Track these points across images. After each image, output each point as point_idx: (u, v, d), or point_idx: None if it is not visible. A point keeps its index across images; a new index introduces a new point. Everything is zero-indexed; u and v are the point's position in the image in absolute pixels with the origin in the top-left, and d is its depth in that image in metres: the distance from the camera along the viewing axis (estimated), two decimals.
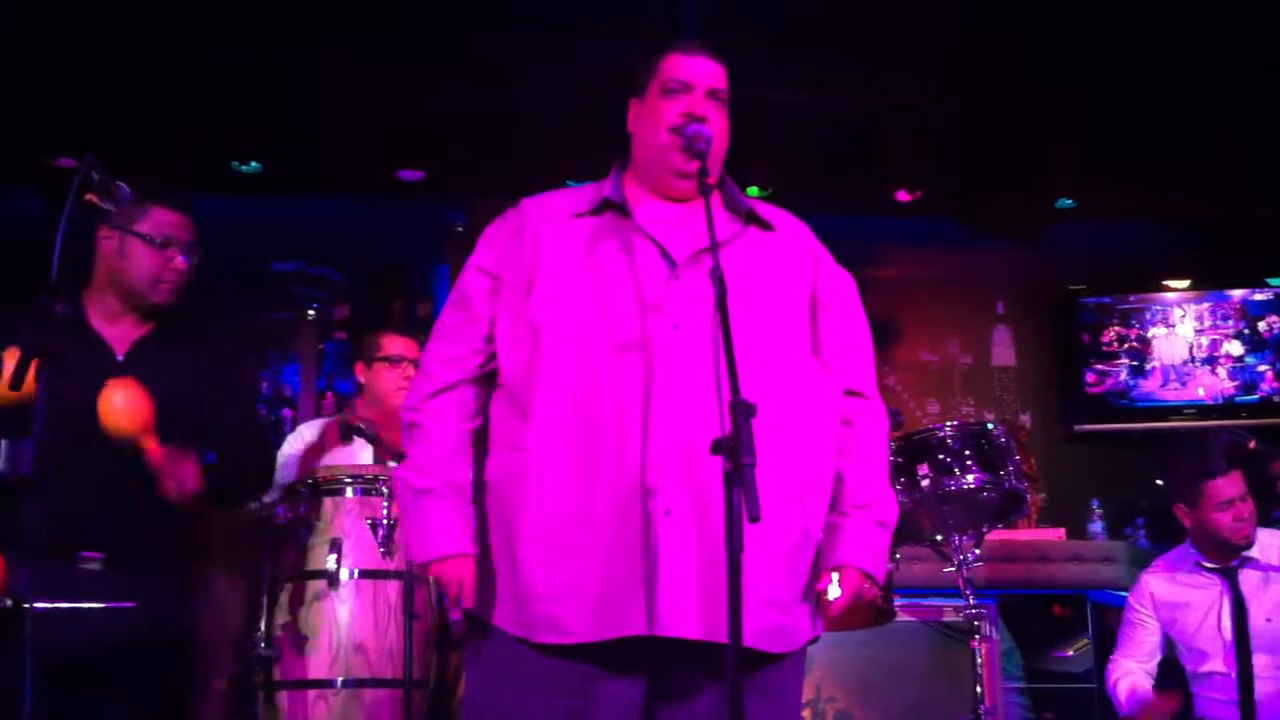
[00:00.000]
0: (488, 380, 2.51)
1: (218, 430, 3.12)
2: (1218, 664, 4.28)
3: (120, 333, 3.17)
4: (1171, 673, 4.44)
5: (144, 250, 3.13)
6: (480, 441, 2.51)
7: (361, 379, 4.47)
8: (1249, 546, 4.28)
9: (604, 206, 2.53)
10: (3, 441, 2.31)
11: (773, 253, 2.55)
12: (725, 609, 1.98)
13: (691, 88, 2.51)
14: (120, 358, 3.13)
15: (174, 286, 3.17)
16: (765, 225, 2.58)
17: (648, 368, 2.33)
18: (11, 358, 2.56)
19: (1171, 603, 4.40)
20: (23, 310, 2.68)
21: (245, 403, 3.47)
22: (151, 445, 2.90)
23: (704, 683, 2.32)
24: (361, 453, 4.24)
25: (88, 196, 2.77)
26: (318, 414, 6.12)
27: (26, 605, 2.31)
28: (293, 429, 4.98)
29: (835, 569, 2.45)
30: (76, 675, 2.89)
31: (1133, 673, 4.41)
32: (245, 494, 3.51)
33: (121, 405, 2.87)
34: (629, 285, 2.41)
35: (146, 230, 3.12)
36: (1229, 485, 4.24)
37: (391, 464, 3.86)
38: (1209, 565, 4.33)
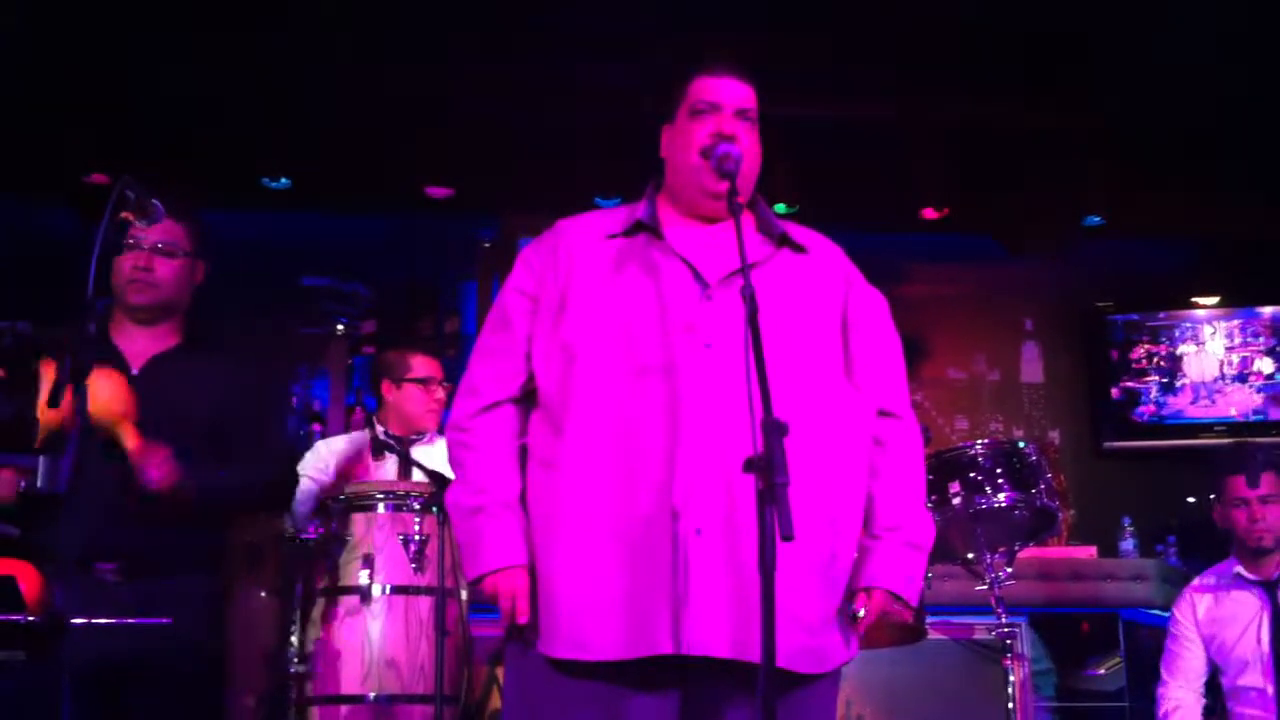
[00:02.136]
0: (529, 399, 2.52)
1: (237, 443, 3.14)
2: (1255, 678, 4.23)
3: (138, 347, 3.21)
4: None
5: (119, 257, 3.15)
6: (523, 459, 2.51)
7: (389, 397, 4.47)
8: (1266, 552, 4.26)
9: (636, 228, 2.54)
10: (42, 458, 2.33)
11: (805, 275, 2.55)
12: (757, 628, 1.97)
13: (720, 108, 2.52)
14: (135, 371, 3.16)
15: (141, 285, 3.18)
16: (798, 248, 2.58)
17: (680, 388, 2.34)
18: (49, 374, 2.59)
19: (1212, 617, 4.37)
20: (62, 330, 2.70)
21: (271, 418, 3.47)
22: (129, 435, 2.93)
23: (737, 703, 2.31)
24: (389, 468, 4.27)
25: (123, 214, 2.79)
26: (346, 429, 6.14)
27: (65, 620, 2.33)
28: (294, 444, 4.99)
29: (864, 590, 2.45)
30: (110, 689, 2.90)
31: (1184, 705, 4.37)
32: (258, 507, 3.52)
33: (102, 394, 2.88)
34: (661, 306, 2.42)
35: (127, 236, 3.15)
36: (1247, 484, 4.23)
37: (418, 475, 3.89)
38: (1249, 577, 4.30)
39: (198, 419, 3.04)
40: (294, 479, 3.55)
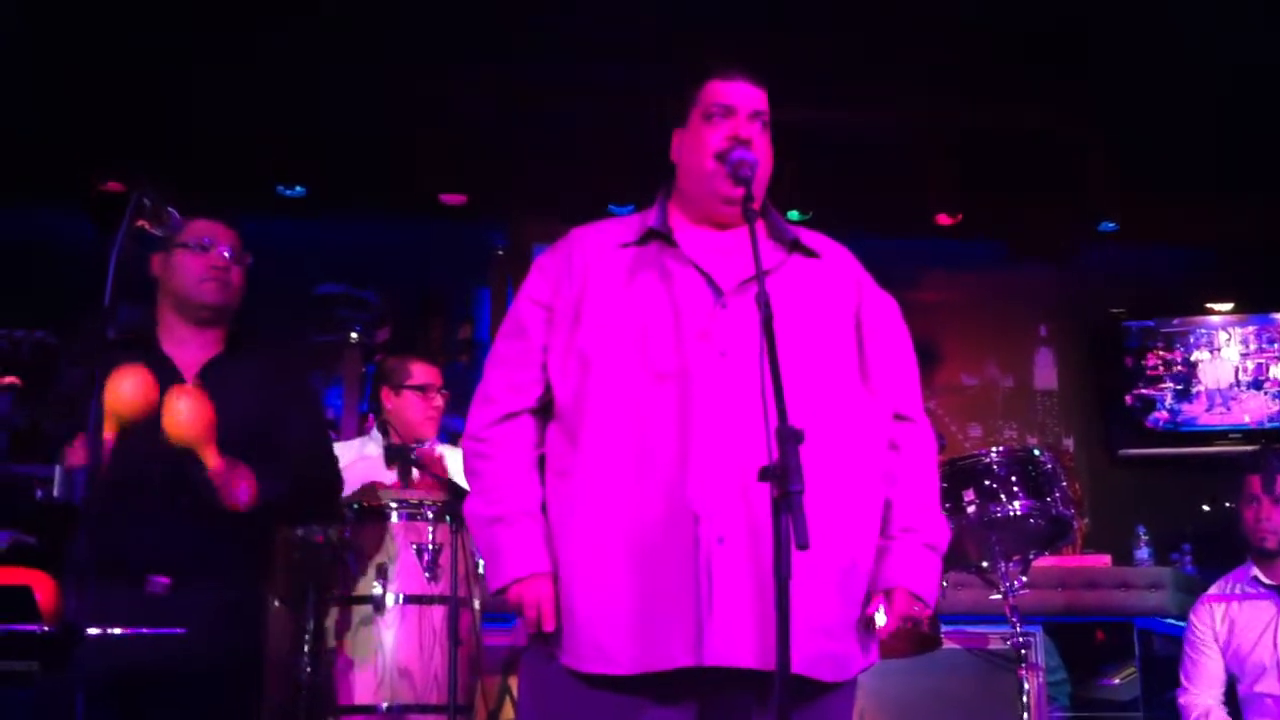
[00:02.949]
0: (546, 411, 2.51)
1: (290, 450, 3.15)
2: (1271, 685, 4.22)
3: (189, 355, 3.21)
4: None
5: (187, 256, 3.19)
6: (541, 469, 2.51)
7: (388, 405, 4.48)
8: (1271, 554, 4.25)
9: (649, 236, 2.54)
10: (58, 468, 2.33)
11: (818, 280, 2.54)
12: (789, 637, 1.97)
13: (734, 111, 2.51)
14: (189, 380, 3.15)
15: (220, 284, 3.21)
16: (810, 253, 2.58)
17: (694, 396, 2.34)
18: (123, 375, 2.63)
19: (1228, 623, 4.37)
20: (78, 341, 2.72)
21: (316, 422, 3.49)
22: (211, 455, 2.93)
23: (756, 713, 2.30)
24: (394, 477, 4.25)
25: (139, 223, 2.79)
26: (360, 436, 6.14)
27: (81, 630, 2.32)
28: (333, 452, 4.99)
29: (883, 591, 2.44)
30: (130, 700, 2.90)
31: (1211, 712, 4.35)
32: (315, 514, 3.52)
33: (185, 413, 2.89)
34: (676, 314, 2.41)
35: (186, 239, 3.18)
36: (1262, 484, 4.25)
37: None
38: (1265, 581, 4.30)
39: (246, 425, 3.05)
40: (340, 485, 3.53)
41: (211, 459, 2.93)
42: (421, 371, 4.47)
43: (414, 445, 4.35)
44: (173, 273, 3.21)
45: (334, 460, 3.45)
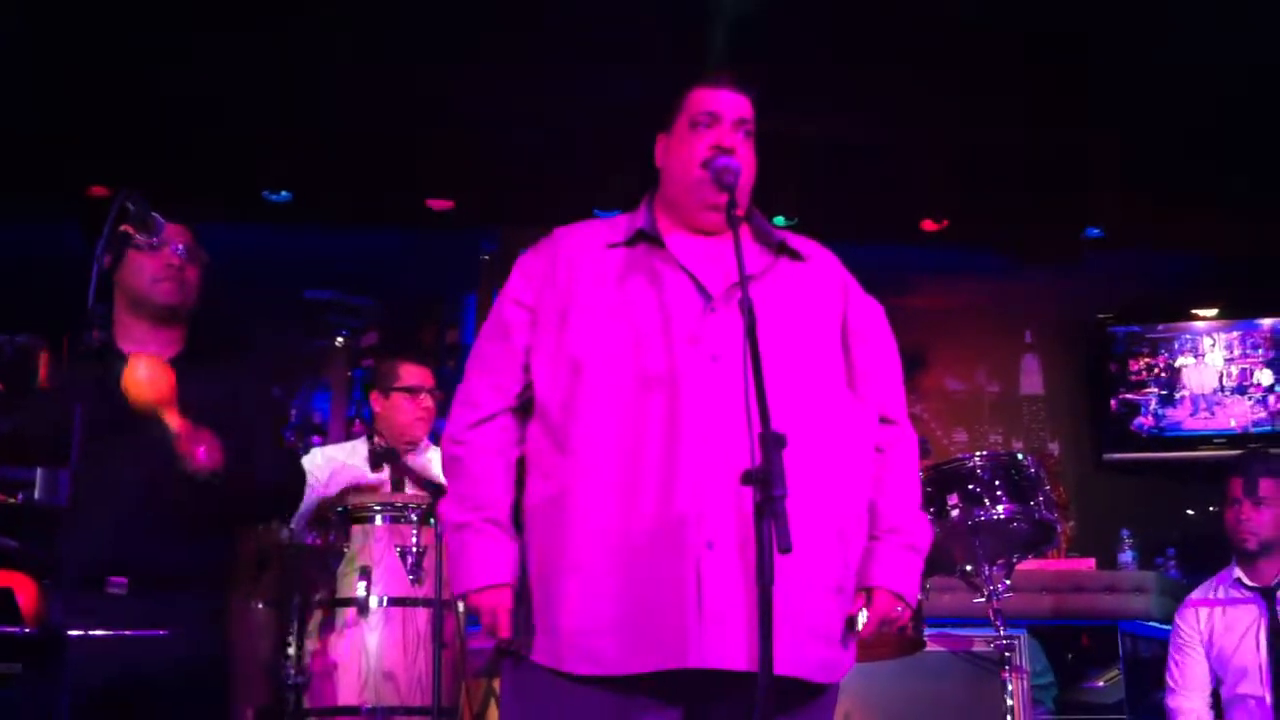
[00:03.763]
0: (525, 409, 2.52)
1: (244, 448, 3.15)
2: (1254, 687, 4.24)
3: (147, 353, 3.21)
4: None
5: (140, 256, 3.18)
6: (520, 470, 2.52)
7: (377, 408, 4.48)
8: (1251, 555, 4.27)
9: (638, 238, 2.55)
10: (40, 471, 2.34)
11: (804, 284, 2.56)
12: (774, 639, 1.99)
13: (719, 119, 2.52)
14: None
15: (175, 284, 3.20)
16: (796, 256, 2.59)
17: (683, 400, 2.34)
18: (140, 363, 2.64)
19: (1212, 625, 4.39)
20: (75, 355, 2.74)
21: (270, 423, 3.47)
22: (173, 417, 2.94)
23: (744, 716, 2.31)
24: (379, 478, 4.26)
25: (123, 227, 2.80)
26: (347, 440, 6.14)
27: (63, 634, 2.33)
28: (296, 449, 4.99)
29: (864, 591, 2.45)
30: (111, 704, 2.90)
31: (1198, 714, 4.37)
32: (271, 512, 3.52)
33: (144, 376, 2.91)
34: (665, 318, 2.42)
35: (139, 240, 3.16)
36: (1244, 487, 4.27)
37: (409, 490, 3.89)
38: (1248, 583, 4.32)
39: (207, 420, 3.04)
40: (301, 484, 3.53)
41: (174, 420, 2.93)
42: (410, 373, 4.47)
43: (407, 448, 4.36)
44: (127, 272, 3.20)
45: (293, 461, 3.45)
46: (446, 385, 4.54)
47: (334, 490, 4.20)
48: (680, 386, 2.35)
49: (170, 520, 2.97)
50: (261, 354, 3.66)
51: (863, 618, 2.44)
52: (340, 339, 5.71)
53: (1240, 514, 4.28)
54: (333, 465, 4.36)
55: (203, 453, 2.96)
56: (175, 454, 2.93)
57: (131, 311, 3.23)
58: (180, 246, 3.20)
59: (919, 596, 3.07)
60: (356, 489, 4.01)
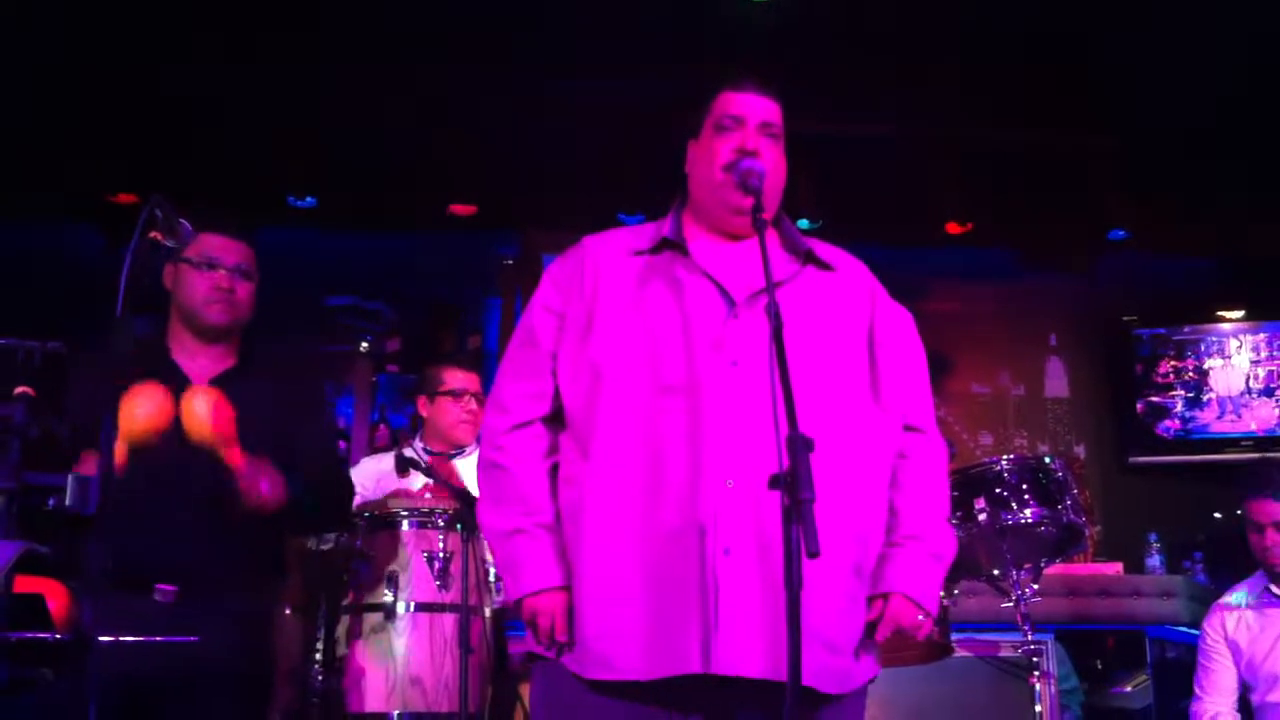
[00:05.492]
0: (558, 419, 2.52)
1: (302, 461, 3.16)
2: None
3: (200, 366, 3.22)
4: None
5: (192, 274, 3.20)
6: (554, 478, 2.52)
7: (424, 413, 4.50)
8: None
9: (663, 245, 2.54)
10: (71, 477, 2.34)
11: (831, 292, 2.55)
12: (800, 645, 1.97)
13: (744, 123, 2.52)
14: None
15: (224, 306, 3.21)
16: (823, 265, 2.58)
17: (705, 405, 2.34)
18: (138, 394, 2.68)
19: (1241, 632, 4.35)
20: (91, 357, 2.75)
21: (326, 435, 3.50)
22: (234, 453, 2.94)
23: None
24: (414, 484, 4.27)
25: (151, 234, 2.81)
26: (371, 445, 6.16)
27: (93, 638, 2.33)
28: (345, 461, 5.01)
29: (881, 596, 2.43)
30: (142, 709, 2.91)
31: (1221, 716, 4.34)
32: (329, 523, 3.54)
33: (204, 412, 2.90)
34: (687, 324, 2.42)
35: (192, 255, 3.18)
36: (1264, 509, 4.22)
37: (428, 496, 3.90)
38: (1277, 592, 4.28)
39: (260, 437, 3.05)
40: (350, 497, 3.55)
41: (235, 456, 2.94)
42: (454, 376, 4.48)
43: (455, 451, 4.37)
44: (180, 287, 3.23)
45: (345, 470, 3.46)
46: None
47: (378, 495, 4.22)
48: (701, 392, 2.35)
49: (221, 530, 2.99)
50: (307, 362, 3.67)
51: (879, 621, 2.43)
52: (364, 345, 5.73)
53: (1265, 541, 4.23)
54: (379, 475, 4.38)
55: (265, 487, 2.98)
56: (236, 489, 2.94)
57: (185, 325, 3.25)
58: (231, 267, 3.22)
59: (943, 604, 3.05)
60: (396, 495, 4.01)
